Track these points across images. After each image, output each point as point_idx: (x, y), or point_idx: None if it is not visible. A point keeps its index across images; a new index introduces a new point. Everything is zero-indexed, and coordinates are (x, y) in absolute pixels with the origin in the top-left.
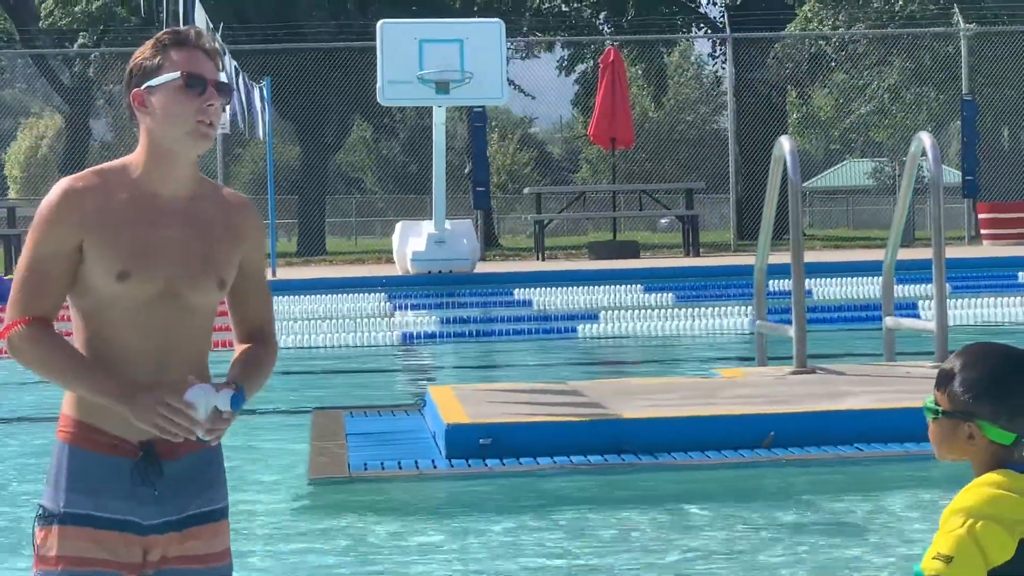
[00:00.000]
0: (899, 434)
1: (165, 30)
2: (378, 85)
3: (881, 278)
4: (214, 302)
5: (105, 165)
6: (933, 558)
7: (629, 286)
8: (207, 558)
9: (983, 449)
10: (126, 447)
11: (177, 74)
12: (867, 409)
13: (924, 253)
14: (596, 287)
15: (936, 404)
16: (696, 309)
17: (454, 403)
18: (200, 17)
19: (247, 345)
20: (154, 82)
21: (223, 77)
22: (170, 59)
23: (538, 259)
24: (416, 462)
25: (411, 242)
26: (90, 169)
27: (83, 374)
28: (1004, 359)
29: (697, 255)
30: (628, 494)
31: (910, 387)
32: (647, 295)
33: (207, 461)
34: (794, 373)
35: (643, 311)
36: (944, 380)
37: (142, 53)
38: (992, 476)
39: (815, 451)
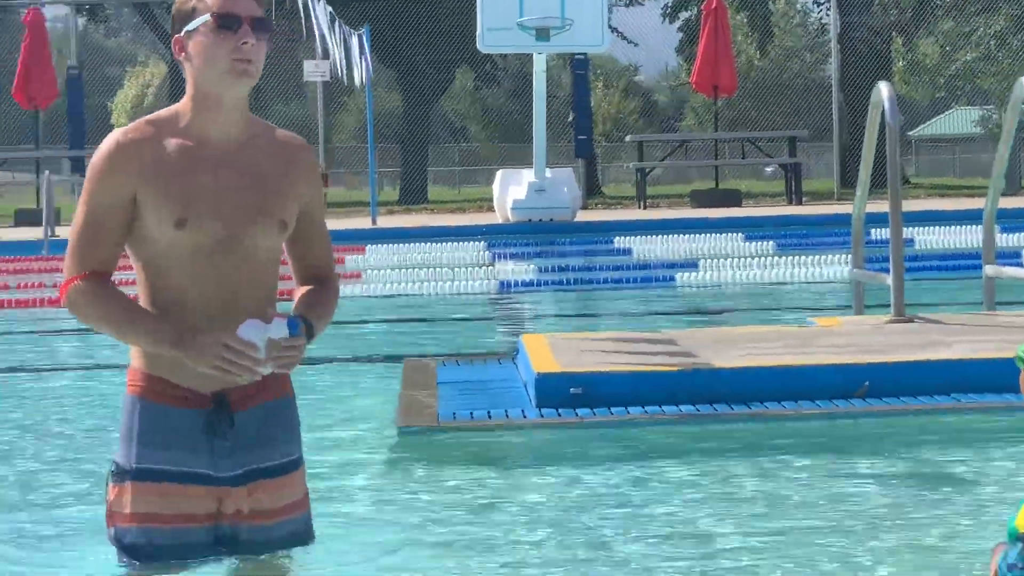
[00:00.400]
0: (997, 385)
1: None
2: (478, 32)
3: (982, 226)
4: (276, 245)
5: (156, 114)
6: None
7: (730, 234)
8: (274, 513)
9: None
10: (198, 399)
11: (208, 16)
12: (965, 359)
13: None
14: (696, 235)
15: None
16: (797, 257)
17: (546, 351)
18: None
19: (310, 287)
20: (190, 26)
21: (261, 13)
22: (204, 1)
23: (640, 207)
24: (506, 411)
25: (511, 191)
26: (142, 119)
27: (138, 324)
28: None
29: (800, 203)
30: (721, 445)
31: (1010, 337)
32: (748, 243)
33: (278, 411)
34: (892, 322)
35: (742, 259)
36: None
37: (180, 0)
38: None
39: (911, 402)
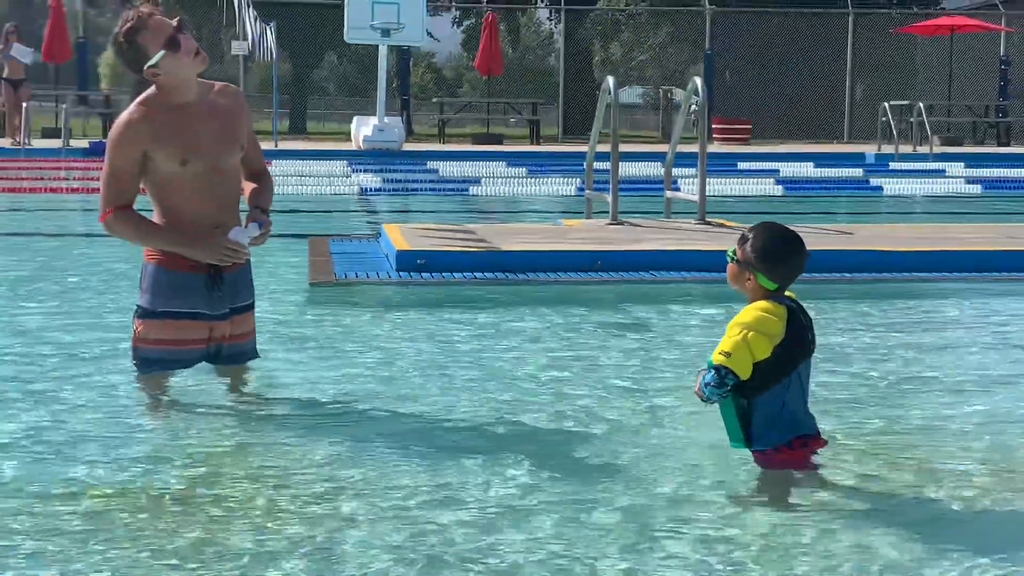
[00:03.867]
0: (679, 265)
1: (127, 21)
2: (345, 29)
3: (664, 164)
4: (237, 162)
5: (145, 97)
6: (719, 353)
7: (498, 162)
8: (246, 335)
9: (756, 288)
10: (199, 268)
11: (161, 51)
12: (658, 249)
13: (689, 147)
14: (478, 162)
15: (735, 253)
16: (540, 179)
17: (400, 235)
18: None
19: (253, 183)
20: (152, 63)
21: (177, 20)
22: (145, 40)
23: (441, 143)
24: (377, 273)
25: (362, 129)
26: (138, 101)
27: (160, 236)
28: (781, 238)
29: (539, 143)
30: (510, 298)
31: (685, 235)
32: (509, 168)
33: (245, 272)
34: (611, 224)
35: (507, 179)
36: (743, 240)
37: (123, 46)
38: (762, 303)
39: (627, 275)
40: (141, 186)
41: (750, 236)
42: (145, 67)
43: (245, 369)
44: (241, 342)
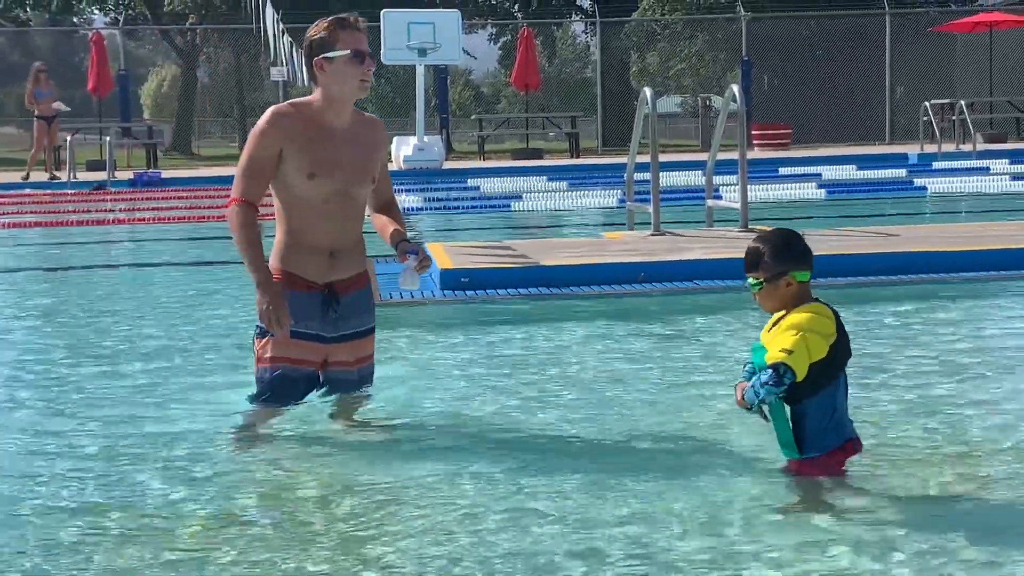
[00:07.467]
0: (722, 274)
1: (335, 16)
2: (381, 50)
3: (704, 173)
4: (368, 193)
5: (298, 100)
6: (780, 350)
7: (538, 177)
8: (364, 359)
9: (798, 290)
10: (316, 287)
11: (348, 51)
12: (701, 259)
13: (729, 154)
14: (518, 177)
15: (758, 279)
16: (581, 192)
17: (444, 254)
18: (270, 8)
19: (384, 213)
20: (329, 55)
21: (370, 48)
22: (340, 38)
23: (481, 159)
24: (423, 293)
25: (402, 149)
26: (287, 102)
27: (248, 249)
28: (781, 233)
29: (578, 157)
30: (554, 313)
31: (728, 243)
32: (550, 182)
33: (365, 296)
34: (653, 235)
35: (548, 193)
36: (754, 263)
37: (318, 31)
38: (809, 305)
39: (669, 285)
40: (272, 199)
41: (762, 252)
42: (321, 55)
43: (361, 398)
44: (359, 367)
